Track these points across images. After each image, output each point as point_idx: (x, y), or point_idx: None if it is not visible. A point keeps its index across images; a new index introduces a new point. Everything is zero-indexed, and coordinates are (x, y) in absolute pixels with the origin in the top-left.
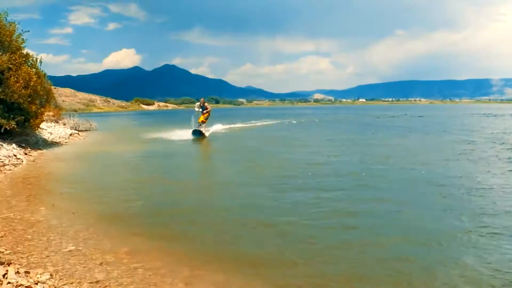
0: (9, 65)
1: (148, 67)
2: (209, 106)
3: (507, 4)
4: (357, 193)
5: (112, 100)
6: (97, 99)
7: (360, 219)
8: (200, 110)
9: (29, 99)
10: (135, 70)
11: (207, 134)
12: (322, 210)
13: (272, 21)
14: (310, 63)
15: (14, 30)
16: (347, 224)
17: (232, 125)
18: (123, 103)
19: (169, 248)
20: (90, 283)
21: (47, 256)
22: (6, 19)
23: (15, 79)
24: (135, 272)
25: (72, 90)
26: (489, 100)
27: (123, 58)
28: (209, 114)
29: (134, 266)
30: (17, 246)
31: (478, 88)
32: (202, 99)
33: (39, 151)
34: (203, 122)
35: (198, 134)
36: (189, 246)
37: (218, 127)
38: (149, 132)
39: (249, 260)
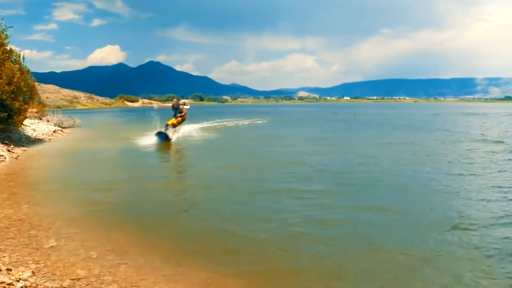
0: None
1: (132, 64)
2: (184, 109)
3: (493, 4)
4: (338, 195)
5: (96, 97)
6: (81, 95)
7: (338, 225)
8: (171, 109)
9: (12, 96)
10: (120, 66)
11: (173, 138)
12: (305, 214)
13: (259, 18)
14: (295, 61)
15: None
16: (325, 232)
17: (213, 123)
18: (107, 100)
19: (152, 245)
20: (72, 280)
21: (29, 254)
22: None
23: None
24: (117, 269)
25: (56, 87)
26: (473, 99)
27: (107, 55)
28: (183, 119)
29: (116, 263)
30: None
31: (463, 87)
32: (175, 100)
33: (22, 148)
34: (173, 125)
35: (163, 137)
36: (173, 244)
37: (190, 128)
38: (131, 130)
39: (232, 260)
